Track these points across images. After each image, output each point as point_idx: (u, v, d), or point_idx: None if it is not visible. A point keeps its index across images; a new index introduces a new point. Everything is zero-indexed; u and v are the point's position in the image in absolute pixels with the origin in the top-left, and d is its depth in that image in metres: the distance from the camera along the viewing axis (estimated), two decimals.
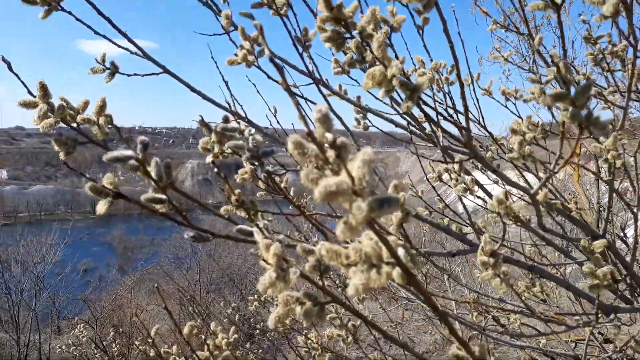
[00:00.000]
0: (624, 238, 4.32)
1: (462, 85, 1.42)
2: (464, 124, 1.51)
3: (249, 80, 2.06)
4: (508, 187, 2.03)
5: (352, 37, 1.17)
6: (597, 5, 1.32)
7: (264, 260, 0.84)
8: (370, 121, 2.04)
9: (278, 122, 2.81)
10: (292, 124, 2.54)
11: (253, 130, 1.06)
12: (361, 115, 2.02)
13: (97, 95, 1.31)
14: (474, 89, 2.28)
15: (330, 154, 0.66)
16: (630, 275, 2.62)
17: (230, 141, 1.12)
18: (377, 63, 1.00)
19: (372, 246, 0.75)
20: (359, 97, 1.96)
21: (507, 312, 3.73)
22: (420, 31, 1.86)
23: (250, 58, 1.57)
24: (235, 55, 1.60)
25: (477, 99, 2.43)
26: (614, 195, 2.17)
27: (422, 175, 2.49)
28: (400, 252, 0.85)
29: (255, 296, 5.64)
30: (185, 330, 1.58)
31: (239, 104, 1.73)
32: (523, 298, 1.98)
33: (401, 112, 2.22)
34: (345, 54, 1.29)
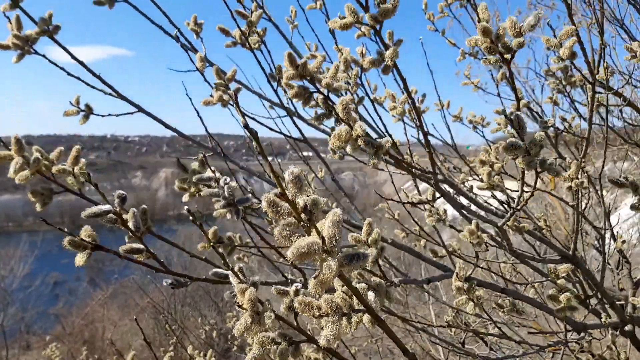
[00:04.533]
0: (599, 248, 4.42)
1: (427, 141, 1.46)
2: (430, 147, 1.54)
3: (246, 116, 2.07)
4: (480, 212, 2.08)
5: (319, 91, 1.20)
6: (554, 48, 1.38)
7: (238, 305, 0.86)
8: (344, 150, 2.06)
9: (261, 149, 2.82)
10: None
11: (228, 180, 1.07)
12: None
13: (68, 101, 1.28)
14: (444, 116, 2.35)
15: (303, 215, 0.69)
16: (600, 292, 2.71)
17: (206, 190, 1.13)
18: (343, 123, 1.04)
19: (343, 297, 0.78)
20: (333, 128, 1.99)
21: (482, 333, 3.77)
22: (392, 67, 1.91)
23: (226, 97, 1.58)
24: (211, 96, 1.61)
25: (449, 125, 2.50)
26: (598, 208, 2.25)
27: (400, 185, 2.54)
28: (370, 296, 0.88)
29: (234, 312, 5.61)
30: None
31: (216, 140, 1.73)
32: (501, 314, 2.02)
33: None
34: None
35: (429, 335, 3.36)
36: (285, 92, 1.76)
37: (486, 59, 1.17)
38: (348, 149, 1.08)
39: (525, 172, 1.23)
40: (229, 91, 1.55)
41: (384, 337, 8.53)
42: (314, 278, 0.73)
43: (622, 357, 2.87)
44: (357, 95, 1.79)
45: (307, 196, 1.31)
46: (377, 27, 1.26)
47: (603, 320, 2.43)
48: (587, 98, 1.74)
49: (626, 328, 2.91)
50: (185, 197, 1.31)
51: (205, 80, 1.74)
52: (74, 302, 22.25)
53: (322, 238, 0.66)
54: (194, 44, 1.95)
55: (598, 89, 1.76)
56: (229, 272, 1.02)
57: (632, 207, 1.19)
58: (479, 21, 1.15)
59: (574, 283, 2.85)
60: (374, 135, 2.41)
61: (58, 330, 16.78)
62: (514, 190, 2.21)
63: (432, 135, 2.72)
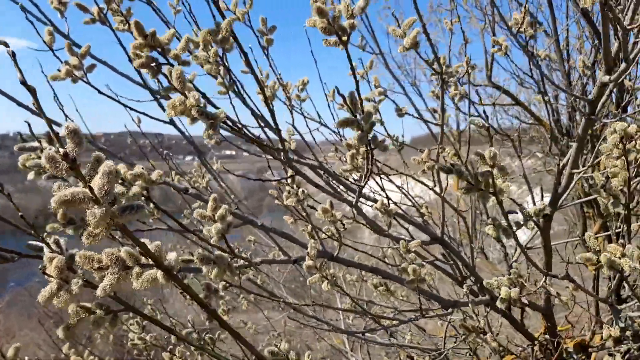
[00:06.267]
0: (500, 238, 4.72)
1: (278, 128, 1.51)
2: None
3: (102, 93, 1.99)
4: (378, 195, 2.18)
5: (169, 63, 1.21)
6: (399, 37, 1.50)
7: (44, 273, 0.85)
8: (222, 136, 2.08)
9: (142, 132, 2.77)
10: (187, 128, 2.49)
11: (53, 149, 1.05)
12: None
13: None
14: (329, 105, 2.44)
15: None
16: (471, 273, 2.94)
17: (31, 161, 1.11)
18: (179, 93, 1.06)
19: (128, 250, 0.80)
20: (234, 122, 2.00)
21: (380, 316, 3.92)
22: (266, 51, 1.96)
23: (79, 73, 1.54)
24: (59, 70, 1.56)
25: (333, 115, 2.59)
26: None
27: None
28: (171, 255, 0.90)
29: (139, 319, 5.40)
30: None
31: (71, 119, 1.69)
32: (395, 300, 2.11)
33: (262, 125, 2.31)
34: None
35: (327, 325, 3.46)
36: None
37: (326, 40, 1.24)
38: (188, 121, 1.09)
39: (365, 147, 1.31)
40: (82, 66, 1.51)
41: (300, 332, 8.60)
42: (85, 230, 0.74)
43: (494, 331, 3.13)
44: (227, 78, 1.81)
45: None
46: None
47: (470, 297, 2.63)
48: (438, 88, 1.89)
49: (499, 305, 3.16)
50: (30, 175, 1.26)
51: (55, 55, 1.68)
52: None
53: (90, 188, 0.67)
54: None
55: (477, 91, 1.93)
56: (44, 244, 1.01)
57: (463, 190, 1.31)
58: (315, 1, 1.21)
59: (451, 265, 3.07)
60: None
61: None
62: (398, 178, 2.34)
63: (325, 126, 2.81)
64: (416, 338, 4.52)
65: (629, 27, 1.36)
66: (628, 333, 3.11)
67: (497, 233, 1.36)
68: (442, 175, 2.11)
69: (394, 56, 6.88)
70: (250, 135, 1.57)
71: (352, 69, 1.27)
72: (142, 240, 0.85)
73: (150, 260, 0.81)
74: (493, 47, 2.23)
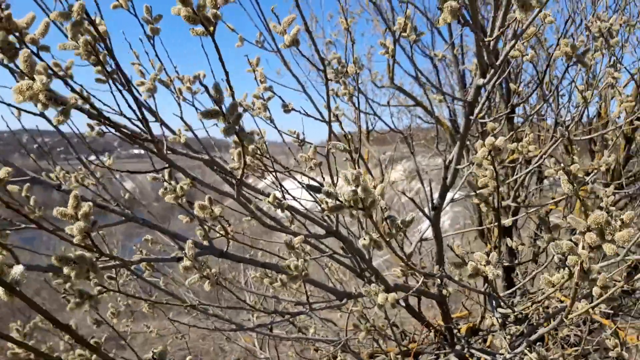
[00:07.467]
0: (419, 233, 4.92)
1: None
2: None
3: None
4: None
5: (27, 47, 1.14)
6: (280, 34, 1.52)
7: None
8: (107, 128, 1.99)
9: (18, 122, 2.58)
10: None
11: None
12: (95, 122, 1.97)
13: None
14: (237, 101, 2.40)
15: None
16: (367, 265, 3.06)
17: None
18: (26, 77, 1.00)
19: None
20: (92, 105, 1.90)
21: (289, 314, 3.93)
22: (151, 41, 1.90)
23: None
24: None
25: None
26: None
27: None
28: (17, 269, 0.85)
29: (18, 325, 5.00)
30: None
31: None
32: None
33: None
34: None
35: (230, 322, 3.43)
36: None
37: (193, 29, 1.23)
38: (39, 107, 1.03)
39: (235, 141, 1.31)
40: None
41: (213, 335, 8.42)
42: None
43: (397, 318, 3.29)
44: (107, 70, 1.73)
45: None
46: None
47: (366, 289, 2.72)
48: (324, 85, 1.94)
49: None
50: None
51: None
52: None
53: None
54: None
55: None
56: None
57: (332, 209, 1.33)
58: None
59: (350, 259, 3.16)
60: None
61: None
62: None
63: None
64: (328, 332, 4.61)
65: (487, 40, 1.49)
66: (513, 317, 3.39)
67: (369, 245, 1.43)
68: (332, 170, 2.17)
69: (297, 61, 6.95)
70: (112, 123, 1.50)
71: (221, 59, 1.27)
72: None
73: None
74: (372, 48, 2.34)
